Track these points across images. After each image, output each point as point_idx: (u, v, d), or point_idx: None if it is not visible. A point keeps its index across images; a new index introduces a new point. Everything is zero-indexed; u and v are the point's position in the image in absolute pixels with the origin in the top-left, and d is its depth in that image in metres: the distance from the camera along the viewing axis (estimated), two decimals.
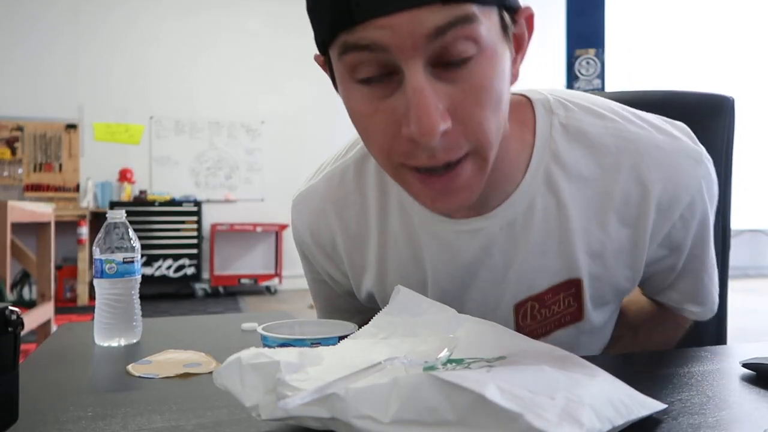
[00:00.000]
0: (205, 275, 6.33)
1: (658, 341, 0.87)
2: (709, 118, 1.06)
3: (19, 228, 2.99)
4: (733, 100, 1.07)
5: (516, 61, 0.62)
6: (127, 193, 6.15)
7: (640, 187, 0.68)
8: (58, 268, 5.68)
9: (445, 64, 0.54)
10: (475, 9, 0.53)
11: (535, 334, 0.74)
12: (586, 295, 0.72)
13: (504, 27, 0.58)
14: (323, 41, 0.57)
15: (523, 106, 0.71)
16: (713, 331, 1.06)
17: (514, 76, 0.62)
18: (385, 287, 0.77)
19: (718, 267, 1.05)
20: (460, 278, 0.73)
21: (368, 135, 0.60)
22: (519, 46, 0.62)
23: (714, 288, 0.80)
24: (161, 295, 6.12)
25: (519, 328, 0.74)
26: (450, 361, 0.51)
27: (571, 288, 0.71)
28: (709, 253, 0.77)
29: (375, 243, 0.76)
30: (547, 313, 0.73)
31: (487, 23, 0.55)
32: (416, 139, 0.54)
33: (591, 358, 0.57)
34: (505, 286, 0.72)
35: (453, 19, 0.52)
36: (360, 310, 0.85)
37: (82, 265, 5.60)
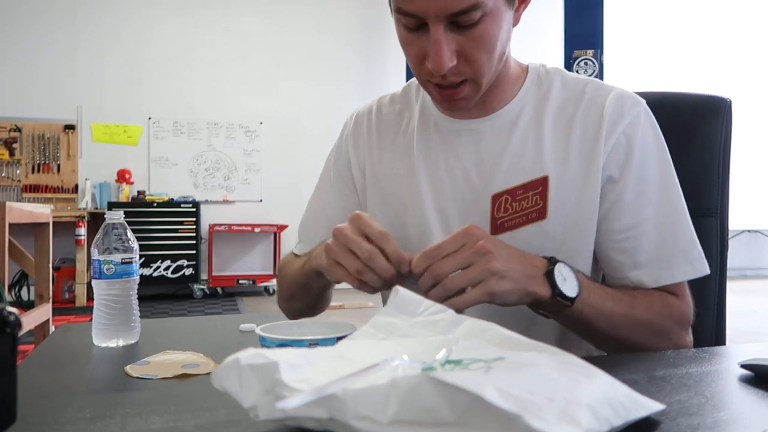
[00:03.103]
0: (204, 276, 6.33)
1: (643, 307, 0.85)
2: (706, 119, 1.06)
3: (18, 229, 2.98)
4: (730, 102, 1.06)
5: (519, 9, 0.86)
6: (126, 193, 6.15)
7: (597, 108, 0.90)
8: (56, 268, 5.68)
9: (458, 24, 0.79)
10: None
11: (505, 226, 0.90)
12: (550, 195, 0.88)
13: None
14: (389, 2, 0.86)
15: (523, 65, 0.98)
16: (711, 332, 1.06)
17: (517, 21, 0.87)
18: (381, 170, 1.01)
19: (716, 268, 1.04)
20: (453, 168, 0.94)
21: (408, 57, 0.86)
22: None
23: (676, 245, 0.88)
24: (159, 296, 6.11)
25: (494, 218, 0.91)
26: (448, 361, 0.51)
27: (539, 187, 0.89)
28: (656, 199, 0.88)
29: (402, 131, 1.01)
30: (517, 207, 0.90)
31: None
32: (432, 72, 0.82)
33: (590, 359, 0.57)
34: (487, 179, 0.92)
35: (466, 7, 0.77)
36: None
37: (81, 265, 5.60)
